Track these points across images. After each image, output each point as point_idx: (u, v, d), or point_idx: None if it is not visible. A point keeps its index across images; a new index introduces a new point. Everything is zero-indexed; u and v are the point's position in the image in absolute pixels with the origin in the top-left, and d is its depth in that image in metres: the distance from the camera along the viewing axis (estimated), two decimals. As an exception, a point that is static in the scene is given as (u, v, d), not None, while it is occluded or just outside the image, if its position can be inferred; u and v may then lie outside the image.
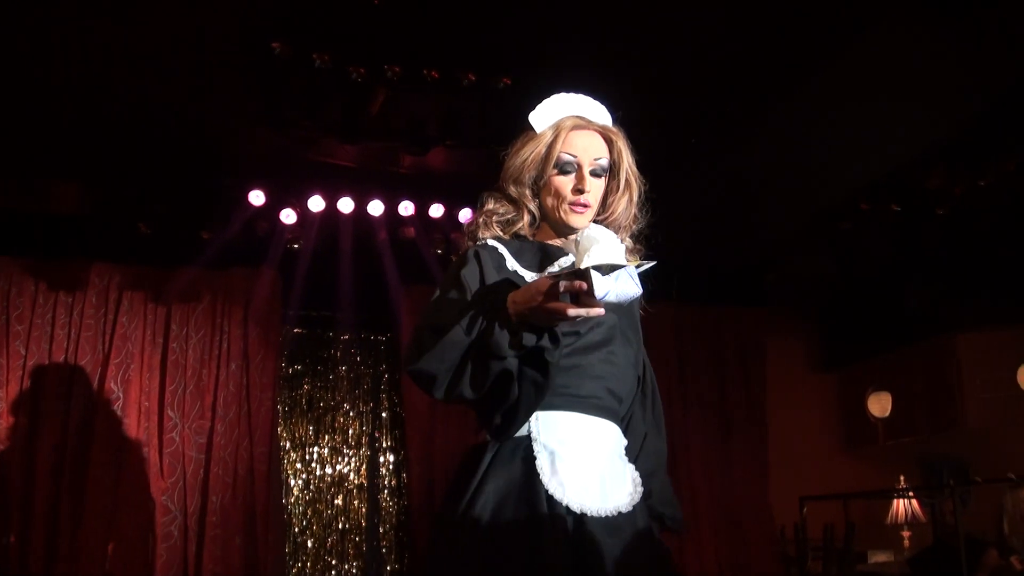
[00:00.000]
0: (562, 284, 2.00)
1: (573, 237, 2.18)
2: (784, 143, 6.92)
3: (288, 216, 7.51)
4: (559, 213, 2.46)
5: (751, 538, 8.98)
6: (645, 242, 2.65)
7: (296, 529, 8.83)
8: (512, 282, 2.29)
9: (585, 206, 2.44)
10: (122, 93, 6.30)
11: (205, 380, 7.60)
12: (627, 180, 2.50)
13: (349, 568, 8.99)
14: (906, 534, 9.55)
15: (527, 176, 2.46)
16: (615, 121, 2.56)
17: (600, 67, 6.16)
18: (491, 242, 2.45)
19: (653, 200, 2.63)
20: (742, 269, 9.31)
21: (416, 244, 7.99)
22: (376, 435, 9.29)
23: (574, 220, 2.44)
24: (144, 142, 6.92)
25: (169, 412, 7.43)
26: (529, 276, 2.37)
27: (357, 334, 9.07)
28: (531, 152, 2.44)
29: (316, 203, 7.50)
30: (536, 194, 2.49)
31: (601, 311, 2.00)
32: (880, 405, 9.84)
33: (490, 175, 7.73)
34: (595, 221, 2.48)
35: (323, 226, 7.72)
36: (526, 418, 2.25)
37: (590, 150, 2.43)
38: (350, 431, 9.20)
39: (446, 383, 2.19)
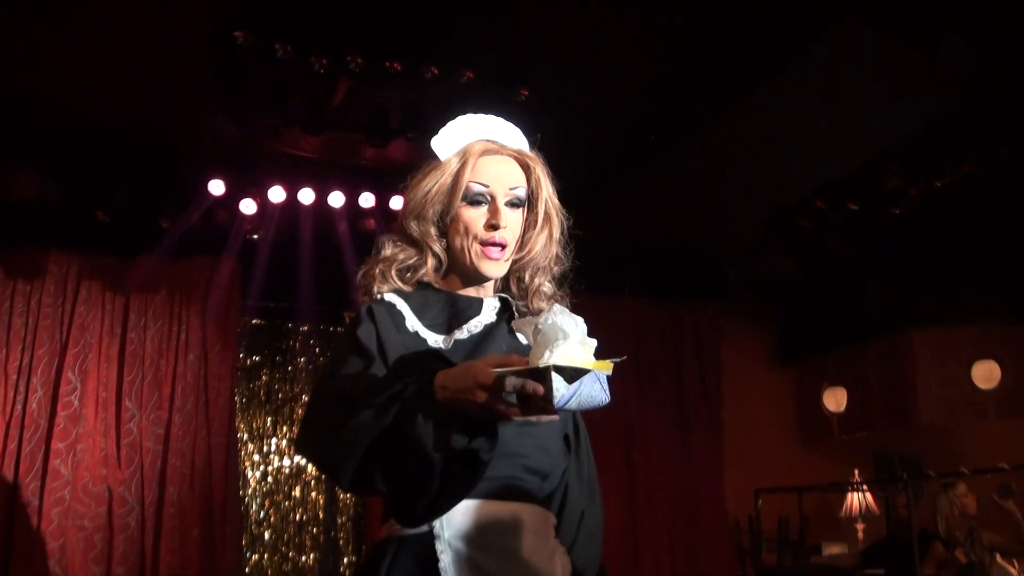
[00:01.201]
0: (510, 382, 1.64)
1: (533, 321, 1.71)
2: (745, 141, 6.99)
3: (248, 206, 7.46)
4: (469, 258, 2.06)
5: (706, 530, 9.07)
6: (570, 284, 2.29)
7: (253, 521, 8.82)
8: (440, 355, 1.92)
9: (501, 246, 2.06)
10: (83, 80, 6.24)
11: (163, 371, 7.54)
12: (547, 213, 2.13)
13: (307, 560, 8.98)
14: (860, 527, 9.69)
15: (431, 211, 2.08)
16: (532, 146, 2.21)
17: (564, 63, 6.23)
18: (388, 296, 2.06)
19: (578, 237, 2.26)
20: (702, 264, 9.39)
21: (377, 236, 7.93)
22: (335, 427, 9.26)
23: (486, 267, 2.06)
24: (104, 130, 6.86)
25: (127, 402, 7.37)
26: (433, 338, 2.01)
27: (316, 325, 9.04)
28: (435, 183, 2.08)
29: (276, 194, 7.45)
30: (443, 232, 2.11)
31: (555, 418, 1.68)
32: (836, 400, 9.97)
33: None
34: (512, 260, 2.14)
35: (283, 217, 7.67)
36: (445, 511, 1.86)
37: (504, 178, 2.08)
38: (308, 423, 9.16)
39: (352, 474, 1.81)
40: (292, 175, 7.47)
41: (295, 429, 9.07)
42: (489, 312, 2.11)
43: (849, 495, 9.81)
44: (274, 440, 9.01)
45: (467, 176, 2.07)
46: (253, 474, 8.87)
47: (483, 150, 2.11)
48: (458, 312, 2.09)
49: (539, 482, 2.04)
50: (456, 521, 1.91)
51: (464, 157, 2.09)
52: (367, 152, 7.27)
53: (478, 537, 1.91)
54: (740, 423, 9.63)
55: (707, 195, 7.91)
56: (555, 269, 2.22)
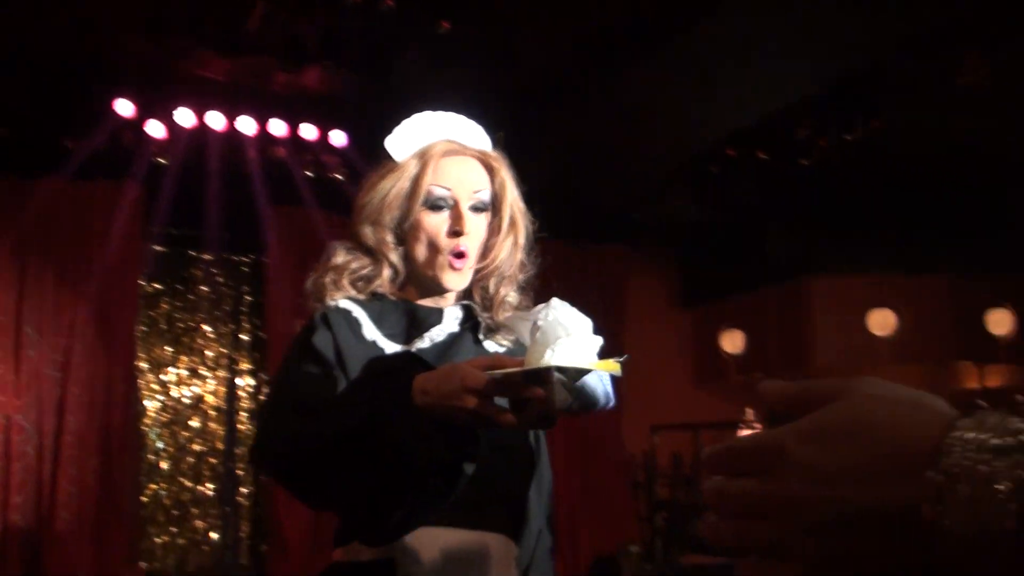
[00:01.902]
0: (504, 385, 1.46)
1: (528, 317, 1.55)
2: (659, 86, 7.06)
3: (156, 129, 7.21)
4: (432, 269, 1.91)
5: (602, 464, 9.29)
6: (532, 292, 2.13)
7: (151, 450, 8.67)
8: (417, 357, 1.70)
9: (462, 256, 1.90)
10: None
11: (64, 297, 7.28)
12: (512, 218, 1.98)
13: (204, 490, 8.88)
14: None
15: (388, 217, 1.91)
16: (494, 145, 2.06)
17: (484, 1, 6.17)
18: (343, 303, 1.91)
19: (543, 239, 2.13)
20: (610, 206, 9.49)
21: (287, 165, 7.82)
22: (235, 358, 9.15)
23: (449, 280, 1.91)
24: (8, 39, 6.51)
25: (26, 329, 7.10)
26: (391, 347, 1.86)
27: (220, 255, 8.85)
28: (392, 186, 1.91)
29: (185, 117, 7.22)
30: (400, 240, 1.95)
31: (552, 426, 1.56)
32: (733, 342, 10.26)
33: (368, 100, 7.61)
34: (476, 269, 1.99)
35: (191, 142, 7.43)
36: (415, 528, 1.68)
37: (467, 181, 1.92)
38: (209, 353, 9.03)
39: (322, 491, 1.67)
40: (202, 99, 7.23)
41: (195, 359, 8.94)
42: (451, 321, 1.96)
43: (741, 433, 10.14)
44: (173, 370, 8.85)
45: (428, 179, 1.89)
46: (152, 404, 8.70)
47: (444, 151, 1.93)
48: (418, 322, 1.94)
49: (505, 506, 1.89)
50: (417, 550, 1.73)
51: (424, 159, 1.91)
52: (280, 78, 7.09)
53: (441, 569, 1.74)
54: (640, 362, 9.74)
55: (617, 138, 7.97)
56: (520, 277, 2.06)
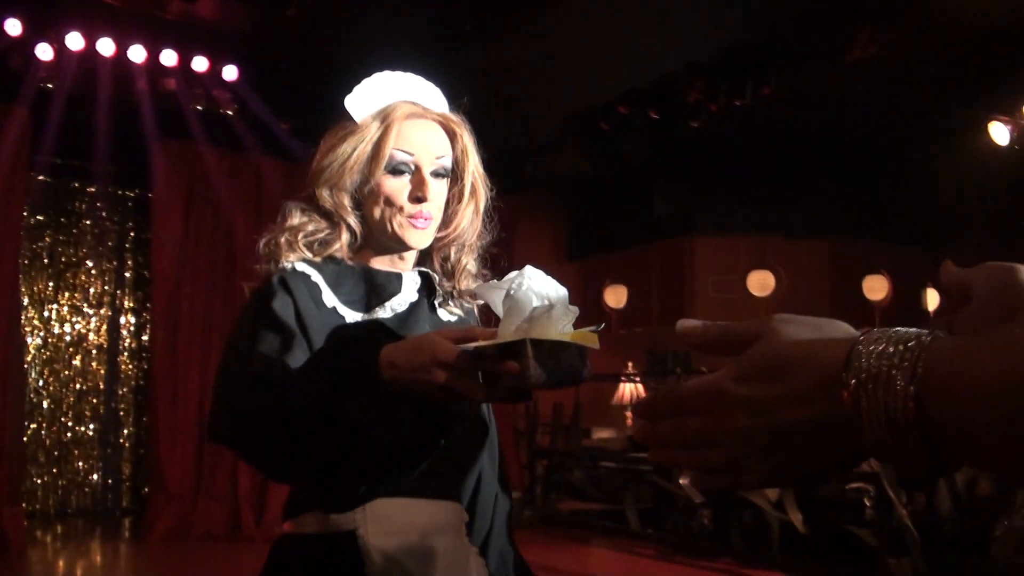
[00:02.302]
0: (476, 358, 1.41)
1: (499, 286, 1.43)
2: (554, 41, 7.15)
3: (44, 52, 6.99)
4: (391, 226, 1.83)
5: (486, 414, 9.40)
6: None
7: (33, 389, 8.50)
8: (383, 327, 1.72)
9: (426, 219, 1.84)
10: None
11: (-57, 226, 7.06)
12: (473, 185, 1.92)
13: (86, 430, 8.76)
14: (629, 414, 10.33)
15: (348, 181, 1.83)
16: (457, 110, 1.97)
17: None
18: (300, 266, 1.81)
19: (500, 209, 2.07)
20: (501, 158, 9.55)
21: (176, 98, 7.67)
22: (118, 295, 9.01)
23: (411, 237, 1.84)
24: None
25: (-98, 258, 6.89)
26: (351, 315, 1.79)
27: (106, 188, 8.67)
28: (353, 150, 1.83)
29: (75, 41, 7.02)
30: (358, 204, 1.87)
31: (527, 399, 1.49)
32: (616, 297, 10.50)
33: (262, 33, 7.49)
34: (436, 237, 1.92)
35: (80, 68, 7.22)
36: (379, 496, 1.68)
37: (430, 146, 1.86)
38: (92, 289, 8.86)
39: (284, 465, 1.62)
40: (93, 23, 7.03)
41: (78, 295, 8.77)
42: (411, 288, 1.89)
43: (621, 385, 10.41)
44: (55, 306, 8.66)
45: (391, 143, 1.82)
46: (33, 340, 8.51)
47: (407, 114, 1.85)
48: (376, 287, 1.86)
49: (459, 475, 1.85)
50: (379, 520, 1.69)
51: (386, 121, 1.83)
52: (174, 6, 6.95)
53: (402, 538, 1.71)
54: (525, 314, 9.97)
55: (512, 89, 8.03)
56: (479, 245, 1.98)
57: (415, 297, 1.88)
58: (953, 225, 9.58)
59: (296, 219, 1.85)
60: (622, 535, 8.13)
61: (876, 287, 9.96)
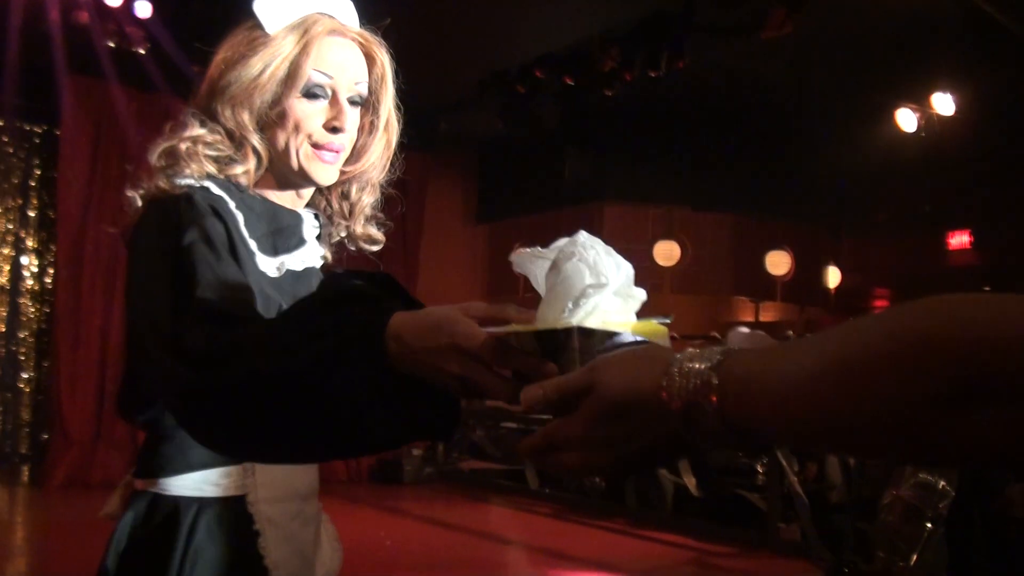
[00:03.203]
0: (508, 348, 1.03)
1: (545, 255, 1.12)
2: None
3: (-48, -24, 6.80)
4: (297, 158, 1.58)
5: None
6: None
7: (-72, 330, 8.29)
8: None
9: (337, 151, 1.61)
10: None
11: None
12: (388, 117, 1.68)
13: (-15, 373, 8.58)
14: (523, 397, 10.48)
15: (257, 100, 1.57)
16: (374, 31, 1.69)
17: None
18: (214, 188, 1.52)
19: (403, 144, 1.78)
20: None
21: (88, 32, 7.47)
22: (21, 235, 8.79)
23: (318, 171, 1.60)
24: None
25: None
26: (262, 260, 1.55)
27: (12, 123, 8.44)
28: (265, 66, 1.56)
29: (-15, -33, 6.85)
30: (262, 127, 1.61)
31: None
32: (525, 260, 10.57)
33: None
34: (340, 171, 1.68)
35: (-10, -3, 7.04)
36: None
37: (349, 69, 1.61)
38: (-6, 229, 8.66)
39: (245, 442, 1.24)
40: (5, -50, 6.86)
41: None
42: (311, 237, 1.69)
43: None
44: (-46, 242, 8.45)
45: (309, 63, 1.56)
46: (-71, 280, 8.30)
47: (328, 30, 1.60)
48: (282, 230, 1.63)
49: None
50: (268, 486, 1.56)
51: (306, 37, 1.57)
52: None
53: (286, 504, 1.59)
54: (433, 274, 10.02)
55: (427, 43, 7.98)
56: (380, 184, 1.75)
57: (320, 252, 1.69)
58: (857, 206, 9.86)
59: (196, 129, 1.57)
60: (520, 494, 8.27)
61: (779, 262, 10.22)
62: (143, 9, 7.44)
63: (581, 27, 7.54)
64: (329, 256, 1.72)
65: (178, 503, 1.54)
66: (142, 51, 7.61)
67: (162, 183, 1.48)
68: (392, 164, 1.72)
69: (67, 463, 7.66)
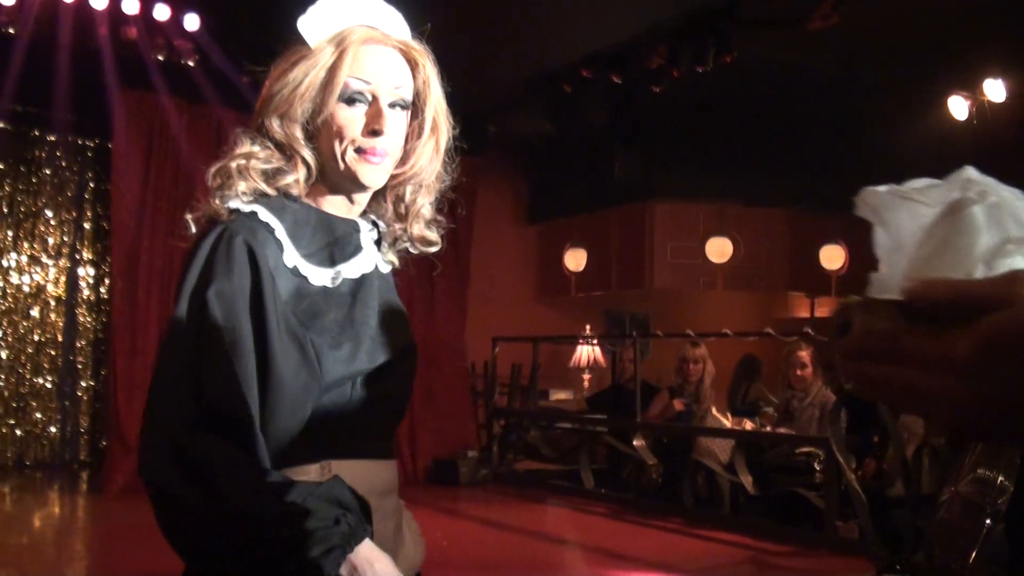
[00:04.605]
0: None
1: (918, 196, 0.82)
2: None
3: (5, -6, 6.93)
4: (343, 162, 1.66)
5: (445, 372, 9.47)
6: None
7: (-10, 340, 8.46)
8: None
9: (381, 155, 1.67)
10: None
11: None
12: (435, 120, 1.74)
13: (44, 382, 8.73)
14: (587, 376, 10.48)
15: (299, 110, 1.66)
16: (419, 37, 1.79)
17: None
18: (261, 213, 1.62)
19: (462, 149, 1.88)
20: (464, 117, 9.52)
21: (137, 47, 7.59)
22: (77, 246, 8.95)
23: (365, 174, 1.67)
24: None
25: None
26: (315, 273, 1.64)
27: (66, 137, 8.60)
28: (304, 76, 1.65)
29: (35, -16, 6.97)
30: (310, 136, 1.69)
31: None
32: (576, 260, 10.58)
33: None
34: (392, 175, 1.75)
35: (42, 12, 7.13)
36: None
37: (389, 74, 1.68)
38: (51, 240, 8.80)
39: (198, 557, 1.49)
40: (54, -35, 6.98)
41: (37, 246, 8.70)
42: (370, 245, 1.77)
43: (579, 348, 10.52)
44: (13, 256, 8.59)
45: (345, 70, 1.65)
46: (-9, 291, 8.47)
47: (364, 39, 1.68)
48: (338, 240, 1.72)
49: (394, 432, 1.83)
50: (348, 481, 1.60)
51: (341, 46, 1.66)
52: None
53: (368, 499, 1.62)
54: (483, 274, 10.05)
55: (476, 46, 8.00)
56: (438, 188, 1.82)
57: (375, 258, 1.77)
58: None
59: (247, 146, 1.67)
60: (576, 494, 8.25)
61: (833, 257, 10.10)
62: (191, 22, 7.54)
63: (627, 25, 7.50)
64: (396, 261, 1.81)
65: None
66: (191, 63, 7.71)
67: (216, 202, 1.60)
68: (448, 167, 1.80)
69: (125, 469, 7.76)
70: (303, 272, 1.61)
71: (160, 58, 7.72)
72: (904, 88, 8.19)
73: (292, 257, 1.61)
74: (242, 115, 7.99)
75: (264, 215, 1.61)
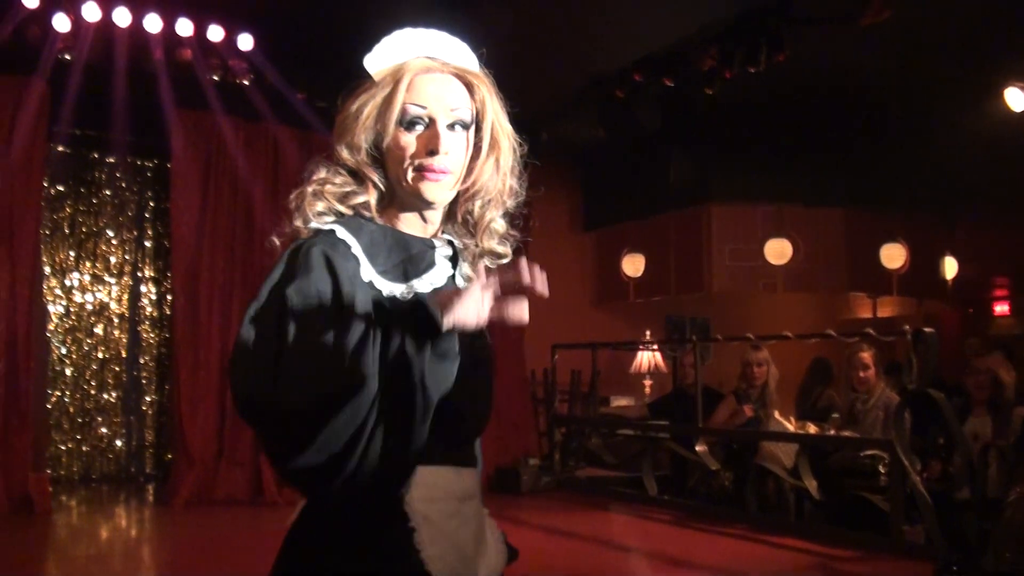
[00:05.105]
0: None
1: None
2: (570, 7, 7.13)
3: (62, 23, 7.04)
4: (406, 181, 1.78)
5: (504, 381, 9.41)
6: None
7: (56, 357, 8.61)
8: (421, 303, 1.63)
9: (440, 172, 1.78)
10: None
11: (-34, 197, 7.11)
12: (493, 138, 1.84)
13: (108, 397, 8.88)
14: (647, 382, 10.42)
15: (363, 137, 1.80)
16: (480, 63, 1.91)
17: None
18: (339, 231, 1.75)
19: (533, 166, 1.97)
20: (515, 125, 9.53)
21: (192, 68, 7.71)
22: (139, 264, 9.10)
23: (427, 190, 1.78)
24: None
25: (-75, 229, 6.96)
26: (390, 288, 1.75)
27: (125, 158, 8.74)
28: (366, 106, 1.80)
29: (91, 11, 7.07)
30: (378, 161, 1.83)
31: None
32: (634, 265, 10.54)
33: (276, 2, 7.47)
34: (459, 191, 1.86)
35: (97, 38, 7.27)
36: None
37: (445, 98, 1.80)
38: (112, 259, 8.96)
39: (353, 457, 1.55)
40: (108, -8, 7.11)
41: (99, 264, 8.86)
42: (443, 261, 1.87)
43: (639, 353, 10.47)
44: (76, 275, 8.76)
45: (401, 97, 1.78)
46: (55, 309, 8.62)
47: (420, 68, 1.81)
48: (413, 257, 1.82)
49: (475, 441, 1.90)
50: (423, 487, 1.70)
51: (398, 76, 1.80)
52: (188, -25, 7.00)
53: (443, 505, 1.73)
54: (541, 283, 9.99)
55: (527, 56, 8.00)
56: (508, 203, 1.91)
57: (448, 272, 1.86)
58: (970, 192, 9.53)
59: (322, 173, 1.81)
60: (639, 501, 8.20)
61: (894, 255, 9.95)
62: (245, 42, 7.64)
63: (677, 27, 7.46)
64: (473, 275, 1.80)
65: (321, 514, 1.70)
66: (246, 82, 7.81)
67: (297, 223, 1.76)
68: (519, 183, 1.91)
69: (191, 482, 7.86)
70: (377, 286, 1.71)
71: (215, 78, 7.83)
72: (960, 81, 8.05)
73: (368, 272, 1.71)
74: (297, 131, 8.11)
75: (342, 233, 1.72)
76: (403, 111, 1.77)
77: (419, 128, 1.78)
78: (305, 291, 1.62)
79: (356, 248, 1.73)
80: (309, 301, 1.61)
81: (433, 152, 1.75)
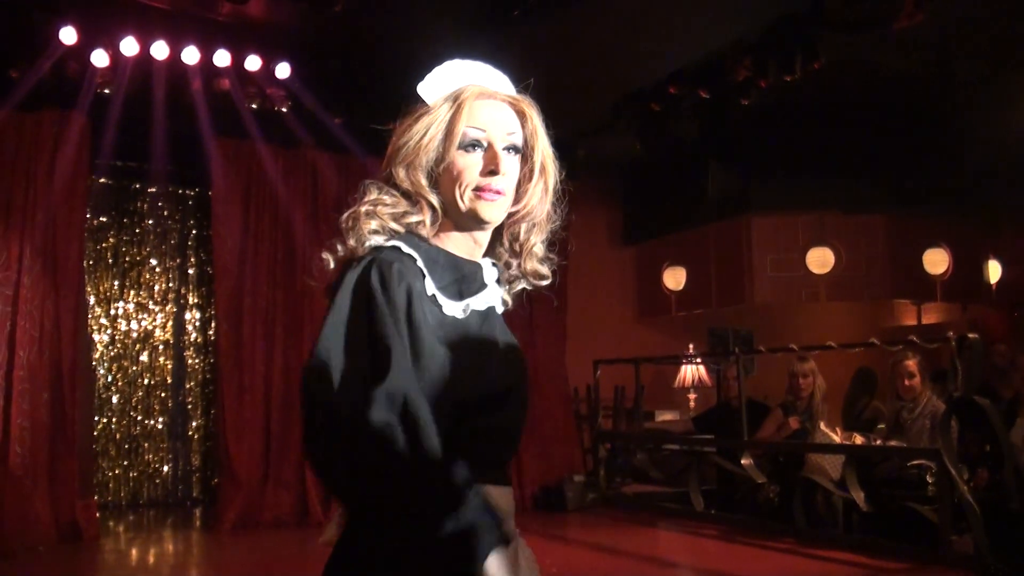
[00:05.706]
0: None
1: None
2: (604, 23, 7.11)
3: (100, 58, 7.15)
4: (464, 201, 1.84)
5: (547, 397, 9.42)
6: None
7: (102, 385, 8.74)
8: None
9: (498, 192, 1.85)
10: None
11: (11, 229, 7.21)
12: (542, 164, 1.93)
13: (155, 423, 8.99)
14: (692, 396, 10.35)
15: (423, 159, 1.86)
16: (524, 92, 1.99)
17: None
18: (403, 247, 1.81)
19: (569, 192, 2.04)
20: (553, 141, 9.53)
21: (231, 97, 7.80)
22: (183, 292, 9.22)
23: (484, 210, 1.84)
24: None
25: (-28, 263, 7.08)
26: (448, 304, 1.81)
27: (166, 187, 8.87)
28: (427, 129, 1.86)
29: (129, 46, 7.17)
30: (434, 183, 1.88)
31: None
32: (675, 279, 10.49)
33: (312, 30, 7.56)
34: (508, 214, 1.93)
35: (136, 72, 7.38)
36: None
37: (501, 123, 1.88)
38: (156, 287, 9.09)
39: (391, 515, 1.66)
40: (146, 27, 7.17)
41: (143, 293, 8.98)
42: (492, 282, 1.94)
43: (683, 367, 10.41)
44: (121, 304, 8.89)
45: (463, 121, 1.85)
46: (100, 338, 8.76)
47: (478, 94, 1.89)
48: (465, 277, 1.89)
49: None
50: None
51: (458, 101, 1.88)
52: (224, 7, 7.05)
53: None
54: (582, 298, 9.99)
55: (561, 72, 8.02)
56: (548, 228, 1.99)
57: (499, 294, 1.93)
58: (1013, 194, 9.39)
59: (374, 194, 1.87)
60: (686, 516, 8.14)
61: (937, 261, 9.82)
62: (282, 70, 7.72)
63: (710, 39, 7.43)
64: (509, 301, 1.98)
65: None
66: (284, 110, 7.89)
67: (352, 242, 1.80)
68: (556, 208, 1.98)
69: (237, 505, 7.91)
70: (439, 301, 1.78)
71: (254, 106, 7.92)
72: (997, 81, 7.95)
73: (431, 287, 1.78)
74: (335, 156, 8.19)
75: (406, 248, 1.78)
76: (463, 134, 1.83)
77: (478, 151, 1.84)
78: (384, 309, 1.68)
79: (420, 262, 1.79)
80: (388, 320, 1.67)
81: (493, 172, 1.82)
